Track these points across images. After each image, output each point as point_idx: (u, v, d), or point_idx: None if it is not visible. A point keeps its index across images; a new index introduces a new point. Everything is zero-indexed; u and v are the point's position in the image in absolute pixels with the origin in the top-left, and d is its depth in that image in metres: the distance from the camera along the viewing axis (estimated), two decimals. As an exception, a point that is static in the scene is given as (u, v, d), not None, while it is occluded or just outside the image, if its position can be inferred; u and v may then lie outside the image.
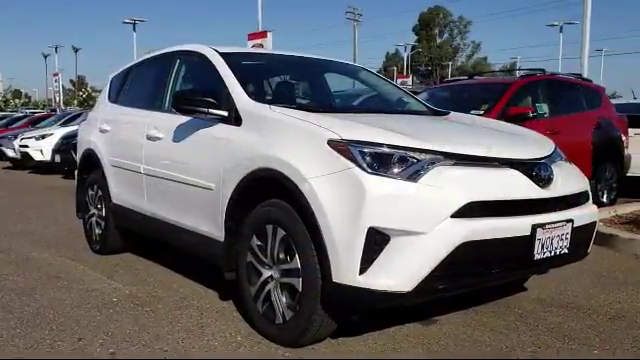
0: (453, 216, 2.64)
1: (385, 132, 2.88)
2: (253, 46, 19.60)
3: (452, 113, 4.23)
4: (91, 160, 5.23)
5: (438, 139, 2.90)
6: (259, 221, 3.18)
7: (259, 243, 3.20)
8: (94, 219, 5.29)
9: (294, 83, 4.37)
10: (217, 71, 3.80)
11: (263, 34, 19.98)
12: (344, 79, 4.77)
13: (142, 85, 4.93)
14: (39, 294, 4.03)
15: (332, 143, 2.80)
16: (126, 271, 4.67)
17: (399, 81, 34.72)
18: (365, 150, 2.73)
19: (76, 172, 5.72)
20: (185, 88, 4.25)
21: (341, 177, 2.71)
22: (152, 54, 4.88)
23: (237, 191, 3.30)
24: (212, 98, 3.53)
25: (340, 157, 2.74)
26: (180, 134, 3.87)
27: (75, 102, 55.18)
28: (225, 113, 3.52)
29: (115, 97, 5.30)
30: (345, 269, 2.66)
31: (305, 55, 4.53)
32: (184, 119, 3.88)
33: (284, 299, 3.05)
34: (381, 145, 2.75)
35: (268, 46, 19.47)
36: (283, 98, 3.93)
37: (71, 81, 76.80)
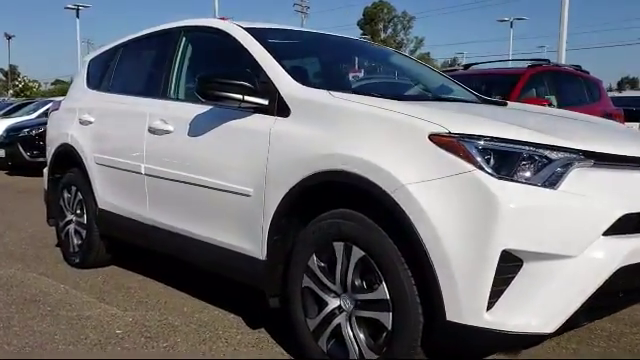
0: (606, 233, 2.05)
1: (504, 125, 2.27)
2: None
3: (509, 103, 3.67)
4: (68, 157, 4.40)
5: (567, 134, 2.30)
6: (322, 236, 2.51)
7: (321, 264, 2.54)
8: (72, 227, 4.46)
9: (343, 65, 3.70)
10: (247, 51, 3.09)
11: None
12: (376, 62, 4.10)
13: (136, 68, 4.14)
14: (18, 326, 3.23)
15: (437, 138, 2.16)
16: (119, 290, 3.89)
17: (351, 75, 34.57)
18: (486, 147, 2.11)
19: (45, 171, 4.86)
20: (200, 71, 3.49)
21: (455, 183, 2.08)
22: (147, 31, 4.08)
23: (288, 198, 2.62)
24: (248, 82, 2.82)
25: (451, 156, 2.11)
26: (199, 127, 3.14)
27: (9, 92, 52.13)
28: (264, 101, 2.82)
29: (97, 83, 4.47)
30: (467, 305, 2.04)
31: (335, 34, 3.86)
32: (203, 108, 3.15)
33: (363, 337, 2.39)
34: (506, 141, 2.13)
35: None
36: (335, 83, 3.24)
37: (1, 70, 72.76)
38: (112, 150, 3.90)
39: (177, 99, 3.54)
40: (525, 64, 7.36)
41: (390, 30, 76.68)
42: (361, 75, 3.67)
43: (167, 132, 3.36)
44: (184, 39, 3.64)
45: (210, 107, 3.13)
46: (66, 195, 4.50)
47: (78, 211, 4.39)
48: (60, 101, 4.88)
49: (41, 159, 10.97)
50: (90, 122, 4.16)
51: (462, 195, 2.06)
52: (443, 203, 2.08)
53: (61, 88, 57.53)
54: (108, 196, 3.99)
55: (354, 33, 73.22)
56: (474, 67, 7.97)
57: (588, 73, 8.16)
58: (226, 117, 2.99)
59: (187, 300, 3.67)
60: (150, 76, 3.91)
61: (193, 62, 3.59)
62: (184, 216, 3.27)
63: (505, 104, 3.60)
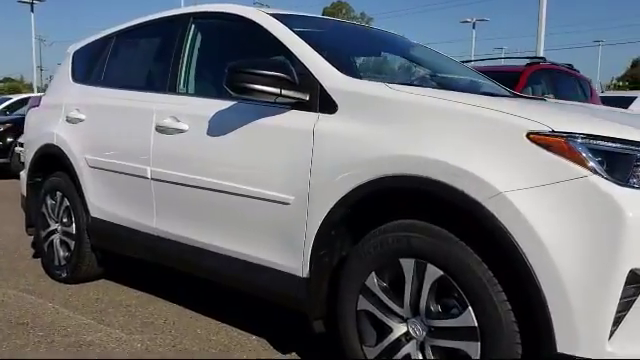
0: None
1: (612, 123, 1.98)
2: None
3: (547, 98, 3.42)
4: (53, 159, 3.94)
5: None
6: (386, 252, 2.17)
7: (383, 284, 2.20)
8: (57, 237, 3.99)
9: (383, 57, 3.35)
10: (276, 39, 2.72)
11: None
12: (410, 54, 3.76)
13: (134, 60, 3.71)
14: (9, 357, 2.77)
15: (537, 138, 1.85)
16: (117, 309, 3.46)
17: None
18: (597, 148, 1.80)
19: (23, 174, 4.36)
20: (217, 63, 3.10)
21: (566, 190, 1.77)
22: (146, 18, 3.64)
23: (340, 207, 2.27)
24: (286, 74, 2.46)
25: (558, 158, 1.80)
26: (223, 125, 2.76)
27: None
28: (304, 96, 2.46)
29: (85, 76, 4.02)
30: (585, 334, 1.73)
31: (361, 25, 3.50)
32: (225, 104, 2.78)
33: (441, 369, 2.06)
34: (619, 141, 1.83)
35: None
36: (378, 76, 2.89)
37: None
38: (109, 152, 3.46)
39: (189, 94, 3.14)
40: (516, 62, 7.19)
41: (349, 30, 77.02)
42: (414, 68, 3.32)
43: (180, 131, 2.95)
44: (194, 27, 3.23)
45: (233, 103, 2.76)
46: (50, 202, 4.03)
47: (65, 220, 3.92)
48: (40, 97, 4.38)
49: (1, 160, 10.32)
50: (80, 120, 3.70)
51: (576, 204, 1.75)
52: (552, 214, 1.77)
53: (10, 86, 55.27)
54: (103, 203, 3.54)
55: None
56: (467, 65, 7.72)
57: (578, 72, 8.05)
58: (256, 114, 2.62)
59: (198, 320, 3.27)
60: (153, 69, 3.49)
61: (207, 53, 3.20)
62: (204, 227, 2.87)
63: (544, 100, 3.34)
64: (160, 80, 3.30)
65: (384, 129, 2.19)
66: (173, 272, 3.32)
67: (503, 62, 8.06)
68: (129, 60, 3.75)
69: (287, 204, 2.45)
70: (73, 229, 3.82)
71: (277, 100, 2.48)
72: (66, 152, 3.76)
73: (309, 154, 2.38)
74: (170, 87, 3.18)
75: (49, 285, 3.94)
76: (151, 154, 3.12)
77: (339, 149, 2.30)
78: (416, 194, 2.09)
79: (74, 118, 3.76)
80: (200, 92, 3.13)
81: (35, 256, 4.56)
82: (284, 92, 2.45)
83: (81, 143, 3.66)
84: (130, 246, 3.43)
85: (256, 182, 2.58)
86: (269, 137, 2.57)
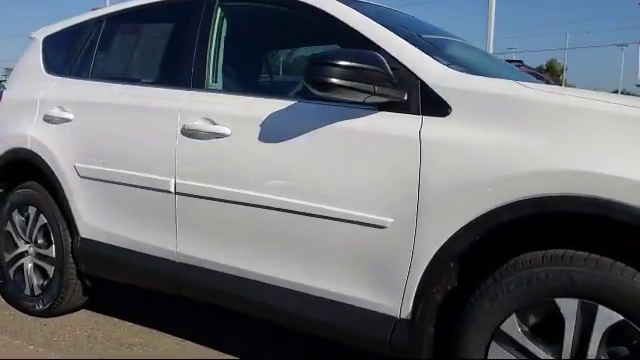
0: None
1: None
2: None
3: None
4: (24, 167, 3.26)
5: None
6: (534, 290, 1.76)
7: (525, 329, 1.78)
8: (28, 261, 3.30)
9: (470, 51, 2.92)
10: (350, 28, 2.24)
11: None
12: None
13: (138, 49, 3.09)
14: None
15: None
16: (119, 350, 2.85)
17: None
18: None
19: None
20: (255, 53, 2.58)
21: None
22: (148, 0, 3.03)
23: (467, 234, 1.84)
24: (379, 68, 2.00)
25: None
26: (283, 129, 2.26)
27: None
28: (401, 95, 2.01)
29: (64, 67, 3.33)
30: None
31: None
32: (284, 104, 2.29)
33: None
34: None
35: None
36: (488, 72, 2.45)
37: None
38: (110, 159, 2.83)
39: (225, 91, 2.60)
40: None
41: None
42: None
43: (219, 136, 2.41)
44: (220, 11, 2.68)
45: (293, 102, 2.28)
46: (17, 218, 3.32)
47: (40, 240, 3.24)
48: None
49: None
50: (65, 120, 3.04)
51: None
52: None
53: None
54: (99, 222, 2.91)
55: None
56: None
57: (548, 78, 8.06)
58: (330, 116, 2.14)
59: (226, 361, 2.73)
60: (166, 60, 2.91)
61: (244, 43, 2.69)
62: (255, 254, 2.35)
63: None
64: (179, 74, 2.73)
65: (528, 138, 1.78)
66: (159, 296, 2.74)
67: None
68: (128, 49, 3.12)
69: (382, 227, 1.99)
70: (52, 252, 3.14)
71: (366, 100, 2.02)
72: (45, 159, 3.08)
73: (415, 167, 1.93)
74: (196, 82, 2.62)
75: (19, 320, 3.24)
76: (176, 163, 2.54)
77: (463, 162, 1.86)
78: (578, 218, 1.69)
79: (56, 117, 3.08)
80: (240, 89, 2.64)
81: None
82: (378, 90, 1.98)
83: (68, 148, 3.00)
84: (136, 273, 2.83)
85: (335, 199, 2.10)
86: (353, 144, 2.09)
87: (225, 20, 2.67)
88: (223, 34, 2.65)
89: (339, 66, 1.94)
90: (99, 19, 3.23)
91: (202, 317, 3.15)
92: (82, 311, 3.36)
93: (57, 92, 3.20)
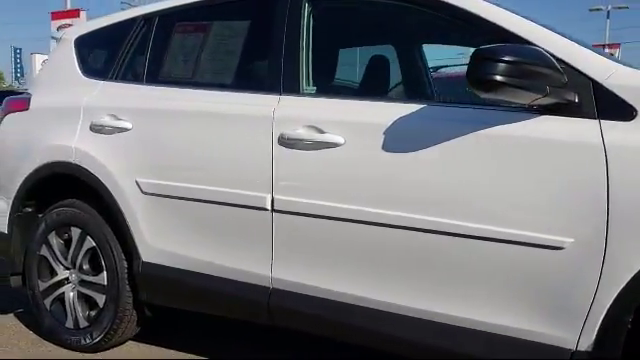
0: None
1: None
2: (60, 27, 16.29)
3: None
4: (68, 183, 2.88)
5: None
6: None
7: None
8: (70, 290, 2.92)
9: None
10: (501, 28, 1.99)
11: (74, 12, 16.63)
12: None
13: (207, 50, 2.72)
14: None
15: None
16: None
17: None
18: None
19: (9, 202, 3.19)
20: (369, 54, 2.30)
21: None
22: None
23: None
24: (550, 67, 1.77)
25: None
26: (415, 137, 2.00)
27: None
28: (572, 97, 1.79)
29: (107, 70, 2.96)
30: None
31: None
32: (409, 107, 2.03)
33: None
34: None
35: (81, 28, 16.24)
36: None
37: None
38: (184, 173, 2.51)
39: (330, 95, 2.33)
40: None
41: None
42: None
43: (329, 145, 2.13)
44: (308, 5, 2.39)
45: (420, 106, 2.02)
46: (56, 241, 2.94)
47: (86, 266, 2.86)
48: (24, 98, 3.23)
49: None
50: (122, 129, 2.69)
51: None
52: None
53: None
54: (166, 243, 2.58)
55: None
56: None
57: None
58: (481, 121, 1.90)
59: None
60: (245, 62, 2.61)
61: (340, 41, 2.39)
62: (382, 280, 2.07)
63: None
64: (264, 77, 2.45)
65: None
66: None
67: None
68: (192, 50, 2.75)
69: (559, 249, 1.75)
70: (103, 278, 2.78)
71: (535, 102, 1.78)
72: (96, 174, 2.72)
73: (600, 179, 1.70)
74: (287, 86, 2.33)
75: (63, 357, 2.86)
76: (273, 176, 2.25)
77: None
78: None
79: (108, 127, 2.73)
80: (343, 93, 2.33)
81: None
82: (551, 90, 1.75)
83: (126, 161, 2.65)
84: (213, 301, 2.50)
85: (491, 217, 1.85)
86: (515, 154, 1.85)
87: (317, 16, 2.39)
88: (316, 32, 2.37)
89: (514, 63, 1.70)
90: (148, 17, 2.88)
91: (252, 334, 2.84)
92: (129, 343, 3.01)
93: (105, 98, 2.83)
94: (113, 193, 2.67)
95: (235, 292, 2.39)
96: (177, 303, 2.66)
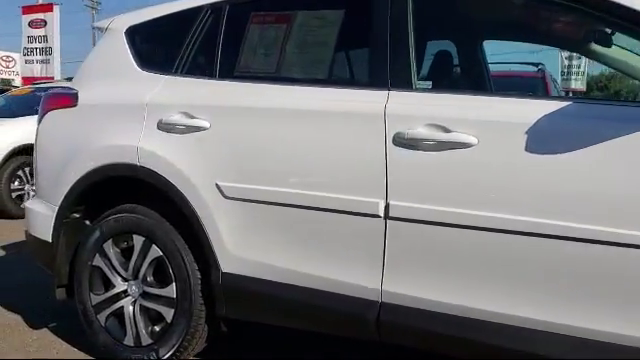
0: None
1: None
2: (32, 22, 15.72)
3: None
4: (130, 186, 2.64)
5: None
6: None
7: None
8: (129, 303, 2.67)
9: None
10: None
11: (47, 7, 16.01)
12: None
13: (293, 42, 2.47)
14: None
15: None
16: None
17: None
18: None
19: (42, 208, 2.92)
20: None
21: None
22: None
23: None
24: None
25: None
26: (571, 137, 1.84)
27: None
28: None
29: (167, 63, 2.72)
30: None
31: None
32: (556, 104, 1.87)
33: None
34: None
35: (55, 24, 15.71)
36: None
37: None
38: (277, 176, 2.29)
39: (440, 90, 2.15)
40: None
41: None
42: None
43: (458, 146, 1.95)
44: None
45: (566, 103, 1.86)
46: (113, 251, 2.68)
47: (150, 277, 2.62)
48: (66, 93, 2.95)
49: None
50: (198, 128, 2.45)
51: None
52: None
53: None
54: (253, 253, 2.36)
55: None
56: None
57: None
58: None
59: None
60: (341, 55, 2.42)
61: (455, 33, 2.21)
62: (521, 294, 1.90)
63: None
64: (367, 72, 2.26)
65: None
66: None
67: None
68: (274, 42, 2.51)
69: None
70: (172, 291, 2.54)
71: None
72: (167, 177, 2.48)
73: None
74: (396, 81, 2.14)
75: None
76: (387, 180, 2.06)
77: None
78: None
79: (179, 126, 2.49)
80: (471, 88, 2.14)
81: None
82: None
83: (204, 163, 2.42)
84: (308, 315, 2.30)
85: None
86: None
87: (426, 5, 2.21)
88: (426, 22, 2.19)
89: None
90: (217, 5, 2.64)
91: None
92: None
93: (172, 94, 2.59)
94: (188, 197, 2.44)
95: (337, 306, 2.20)
96: (263, 318, 2.44)
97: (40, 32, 15.72)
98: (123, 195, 2.70)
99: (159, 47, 2.85)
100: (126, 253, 2.69)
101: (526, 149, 1.85)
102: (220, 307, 2.45)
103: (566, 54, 19.22)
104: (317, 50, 2.39)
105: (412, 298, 2.06)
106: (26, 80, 15.11)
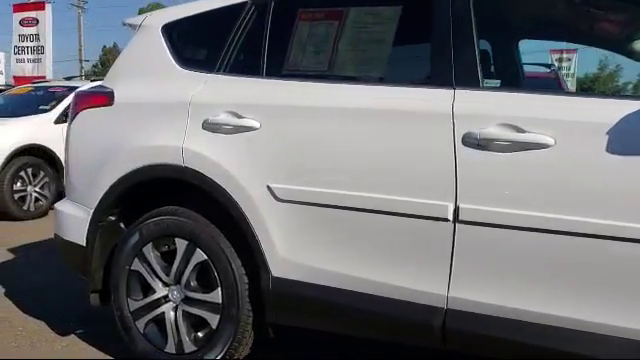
0: None
1: None
2: (23, 20, 15.47)
3: None
4: (172, 188, 2.55)
5: None
6: None
7: None
8: (170, 309, 2.58)
9: None
10: None
11: (39, 5, 15.75)
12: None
13: (346, 39, 2.38)
14: None
15: None
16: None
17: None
18: None
19: (64, 208, 2.83)
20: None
21: None
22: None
23: None
24: None
25: None
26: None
27: None
28: None
29: (208, 61, 2.64)
30: None
31: None
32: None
33: None
34: None
35: (47, 23, 15.48)
36: None
37: None
38: (336, 178, 2.21)
39: (510, 89, 2.09)
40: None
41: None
42: None
43: (532, 146, 1.89)
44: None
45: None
46: (153, 255, 2.59)
47: (193, 282, 2.53)
48: (100, 91, 2.85)
49: None
50: (247, 128, 2.37)
51: None
52: None
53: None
54: (306, 257, 2.29)
55: (128, 34, 69.32)
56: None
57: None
58: None
59: None
60: (400, 53, 2.33)
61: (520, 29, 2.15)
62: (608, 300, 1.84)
63: None
64: (426, 69, 2.18)
65: None
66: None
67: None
68: (325, 39, 2.42)
69: None
70: (218, 296, 2.46)
71: None
72: (214, 178, 2.40)
73: None
74: (462, 79, 2.08)
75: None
76: (456, 182, 1.99)
77: None
78: None
79: (226, 125, 2.41)
80: (532, 87, 2.08)
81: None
82: None
83: (254, 165, 2.34)
84: (370, 323, 2.22)
85: None
86: None
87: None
88: (488, 17, 2.13)
89: None
90: (259, 2, 2.56)
91: None
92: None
93: (217, 93, 2.51)
94: (237, 200, 2.35)
95: (399, 313, 2.13)
96: (316, 324, 2.37)
97: (32, 30, 15.46)
98: (161, 197, 2.60)
99: (199, 45, 2.77)
100: (166, 257, 2.59)
101: (608, 150, 1.80)
102: (270, 313, 2.37)
103: (556, 56, 19.41)
104: (373, 47, 2.31)
105: (482, 304, 1.99)
106: (18, 80, 14.82)
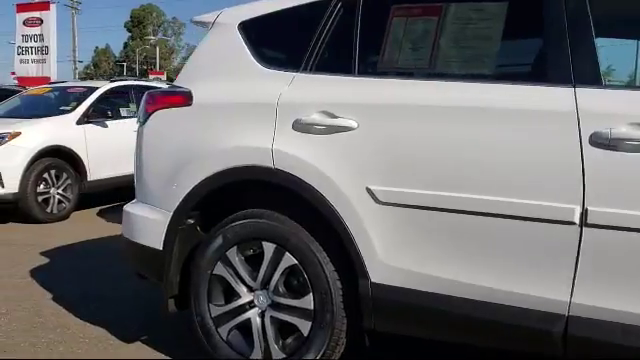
0: None
1: None
2: (27, 20, 15.30)
3: None
4: (260, 190, 2.46)
5: None
6: None
7: None
8: (257, 315, 2.49)
9: None
10: None
11: (44, 5, 15.56)
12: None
13: (448, 35, 2.29)
14: None
15: None
16: None
17: (152, 77, 32.21)
18: None
19: (135, 210, 2.74)
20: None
21: None
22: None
23: None
24: None
25: None
26: None
27: None
28: None
29: (293, 59, 2.53)
30: None
31: None
32: None
33: None
34: None
35: (51, 23, 15.31)
36: None
37: None
38: (447, 180, 2.12)
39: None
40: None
41: (160, 34, 73.64)
42: None
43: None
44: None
45: None
46: (237, 259, 2.50)
47: (282, 287, 2.44)
48: (177, 91, 2.76)
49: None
50: (344, 128, 2.28)
51: None
52: None
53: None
54: (409, 262, 2.20)
55: (123, 35, 68.03)
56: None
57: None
58: None
59: None
60: (509, 49, 2.25)
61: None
62: None
63: None
64: (541, 67, 2.11)
65: None
66: None
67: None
68: (424, 36, 2.34)
69: None
70: (309, 302, 2.37)
71: None
72: (307, 180, 2.31)
73: None
74: (581, 77, 2.00)
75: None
76: (584, 184, 1.91)
77: None
78: None
79: (320, 126, 2.32)
80: None
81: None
82: None
83: (352, 166, 2.25)
84: (482, 331, 2.14)
85: None
86: None
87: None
88: (604, 12, 2.05)
89: None
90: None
91: None
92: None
93: (307, 92, 2.42)
94: (333, 203, 2.27)
95: (513, 320, 2.04)
96: (420, 332, 2.28)
97: (36, 31, 15.27)
98: (242, 199, 2.52)
99: (281, 43, 2.67)
100: (251, 261, 2.51)
101: None
102: (368, 320, 2.28)
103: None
104: (479, 44, 2.23)
105: (608, 311, 1.92)
106: (23, 81, 14.63)
